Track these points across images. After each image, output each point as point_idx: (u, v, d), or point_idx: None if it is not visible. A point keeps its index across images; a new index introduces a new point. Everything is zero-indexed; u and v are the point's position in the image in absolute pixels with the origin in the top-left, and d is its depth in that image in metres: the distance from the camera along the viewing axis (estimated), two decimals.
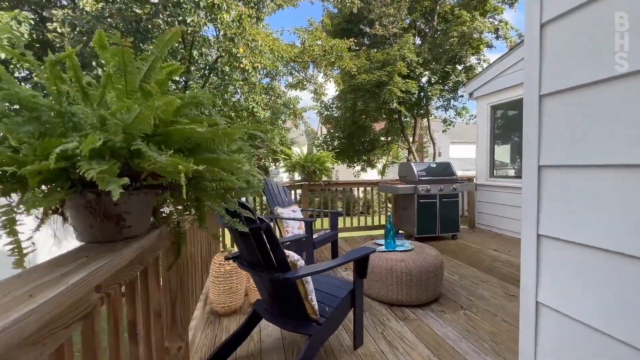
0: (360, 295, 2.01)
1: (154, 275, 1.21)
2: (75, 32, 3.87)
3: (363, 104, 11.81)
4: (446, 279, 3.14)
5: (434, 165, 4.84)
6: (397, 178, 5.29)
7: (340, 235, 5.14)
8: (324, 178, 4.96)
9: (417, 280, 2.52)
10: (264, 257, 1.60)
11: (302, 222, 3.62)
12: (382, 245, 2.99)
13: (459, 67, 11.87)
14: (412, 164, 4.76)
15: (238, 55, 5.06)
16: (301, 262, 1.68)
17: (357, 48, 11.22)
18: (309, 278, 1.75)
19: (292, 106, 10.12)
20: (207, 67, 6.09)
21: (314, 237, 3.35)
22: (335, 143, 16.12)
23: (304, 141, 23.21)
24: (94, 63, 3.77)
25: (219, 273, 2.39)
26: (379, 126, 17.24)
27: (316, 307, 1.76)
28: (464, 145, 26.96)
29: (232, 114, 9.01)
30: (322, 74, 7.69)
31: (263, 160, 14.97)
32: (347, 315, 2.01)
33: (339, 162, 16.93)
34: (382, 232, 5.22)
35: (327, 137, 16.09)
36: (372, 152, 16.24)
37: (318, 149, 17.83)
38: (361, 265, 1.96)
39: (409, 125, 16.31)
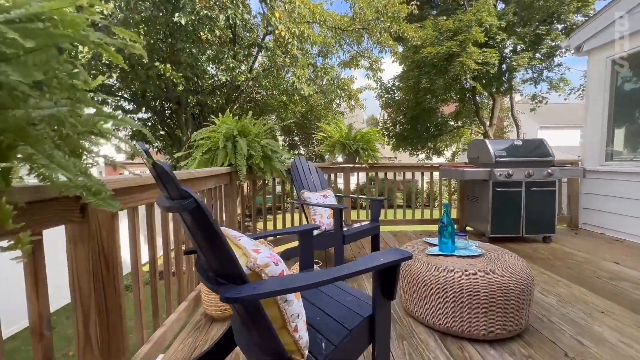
0: (385, 325, 1.26)
1: None
2: None
3: (428, 81, 10.35)
4: (537, 301, 2.13)
5: (519, 143, 3.63)
6: (466, 162, 4.19)
7: (390, 228, 4.31)
8: (371, 160, 4.16)
9: (487, 303, 1.64)
10: (206, 257, 0.99)
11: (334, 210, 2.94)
12: (434, 245, 2.14)
13: (558, 28, 9.47)
14: (488, 141, 3.63)
15: (272, 21, 4.53)
16: (274, 269, 1.02)
17: (421, 14, 9.77)
18: (291, 296, 1.08)
19: (345, 87, 9.34)
20: (254, 45, 5.75)
21: (344, 229, 2.65)
22: (397, 129, 14.82)
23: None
24: None
25: None
26: (448, 109, 15.26)
27: (303, 341, 1.08)
28: (557, 130, 22.58)
29: (284, 98, 8.68)
30: (377, 46, 6.75)
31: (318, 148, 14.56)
32: (365, 350, 1.29)
33: (401, 150, 15.59)
34: None
35: (388, 122, 14.86)
36: (439, 138, 14.48)
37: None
38: (387, 278, 1.21)
39: (485, 105, 14.04)
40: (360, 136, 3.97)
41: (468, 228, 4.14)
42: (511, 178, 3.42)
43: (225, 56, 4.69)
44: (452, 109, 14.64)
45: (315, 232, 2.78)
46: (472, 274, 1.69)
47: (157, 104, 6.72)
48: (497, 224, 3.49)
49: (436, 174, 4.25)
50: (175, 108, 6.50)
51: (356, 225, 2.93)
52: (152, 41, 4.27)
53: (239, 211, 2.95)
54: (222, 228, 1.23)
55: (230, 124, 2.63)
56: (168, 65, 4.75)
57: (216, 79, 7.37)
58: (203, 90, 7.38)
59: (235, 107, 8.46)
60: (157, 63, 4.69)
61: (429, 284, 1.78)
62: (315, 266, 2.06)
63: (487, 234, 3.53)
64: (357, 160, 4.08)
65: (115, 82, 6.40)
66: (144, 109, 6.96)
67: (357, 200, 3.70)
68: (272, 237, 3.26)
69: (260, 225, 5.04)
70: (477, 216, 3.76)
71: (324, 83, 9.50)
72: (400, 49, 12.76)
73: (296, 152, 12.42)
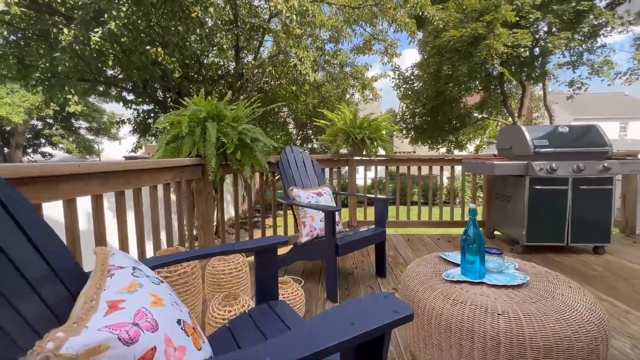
0: None
1: None
2: None
3: (450, 67, 9.48)
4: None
5: (564, 130, 2.93)
6: (494, 154, 3.52)
7: (403, 231, 3.72)
8: (381, 152, 3.57)
9: None
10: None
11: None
12: (455, 265, 1.57)
13: (602, 3, 8.33)
14: (524, 127, 2.96)
15: None
16: (118, 353, 0.50)
17: None
18: None
19: (359, 76, 8.68)
20: (257, 28, 5.25)
21: (339, 236, 2.11)
22: (416, 121, 13.97)
23: None
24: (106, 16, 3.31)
25: None
26: (472, 100, 14.20)
27: None
28: (593, 122, 20.81)
29: (294, 88, 8.16)
30: (392, 25, 6.05)
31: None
32: None
33: (419, 144, 14.72)
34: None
35: (405, 113, 14.02)
36: (462, 130, 13.49)
37: (394, 129, 15.87)
38: None
39: (514, 95, 12.91)
40: (368, 123, 3.39)
41: (496, 233, 3.49)
42: (555, 173, 2.74)
43: (218, 36, 4.23)
44: (477, 100, 13.60)
45: (305, 239, 2.26)
46: (513, 318, 1.12)
47: (159, 94, 6.39)
48: (534, 230, 2.83)
49: (458, 169, 3.60)
50: (175, 98, 6.14)
51: (357, 231, 2.38)
52: (139, 21, 3.88)
53: (240, 210, 2.48)
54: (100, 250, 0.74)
55: (199, 106, 2.14)
56: (160, 49, 4.36)
57: (220, 66, 6.96)
58: (206, 79, 6.98)
59: (241, 98, 8.04)
60: (147, 47, 4.31)
61: (447, 326, 1.22)
62: (279, 296, 1.54)
63: (521, 241, 2.89)
64: (364, 152, 3.51)
65: (117, 72, 6.12)
66: (147, 99, 6.65)
67: (365, 198, 3.14)
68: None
69: (269, 221, 4.52)
70: (508, 219, 3.11)
71: (336, 71, 8.89)
72: (420, 35, 11.90)
73: (309, 145, 11.92)
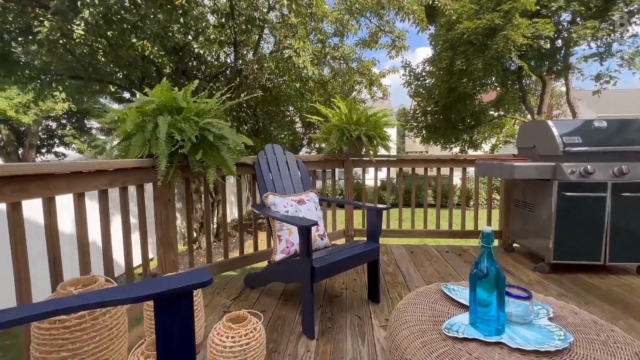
0: None
1: None
2: None
3: (464, 62, 8.90)
4: None
5: (601, 125, 2.43)
6: (514, 154, 3.04)
7: (407, 241, 3.29)
8: (382, 151, 3.14)
9: None
10: None
11: (319, 223, 2.01)
12: (462, 307, 1.15)
13: None
14: (550, 122, 2.48)
15: None
16: None
17: None
18: None
19: (366, 71, 8.23)
20: (253, 20, 4.90)
21: (316, 256, 1.72)
22: (427, 120, 13.37)
23: (390, 122, 20.67)
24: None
25: None
26: (487, 97, 13.48)
27: None
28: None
29: (297, 85, 7.80)
30: (400, 13, 5.59)
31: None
32: None
33: (432, 143, 14.11)
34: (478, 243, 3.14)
35: (417, 111, 13.44)
36: (476, 129, 12.82)
37: (405, 128, 15.25)
38: None
39: (533, 91, 12.15)
40: (365, 119, 2.96)
41: (516, 246, 3.00)
42: (590, 177, 2.25)
43: (204, 25, 3.88)
44: (493, 97, 12.89)
45: (280, 257, 1.87)
46: None
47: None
48: (563, 245, 2.35)
49: (471, 170, 3.13)
50: None
51: (344, 247, 1.98)
52: (122, 11, 3.59)
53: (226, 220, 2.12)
54: None
55: (153, 97, 1.79)
56: (147, 42, 4.07)
57: (223, 64, 6.66)
58: (205, 75, 6.70)
59: (242, 96, 7.73)
60: (134, 40, 4.03)
61: None
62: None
63: (546, 258, 2.41)
64: (362, 152, 3.09)
65: (114, 70, 5.89)
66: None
67: (352, 205, 2.73)
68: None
69: None
70: (531, 231, 2.63)
71: (342, 66, 8.47)
72: (432, 30, 11.32)
73: (317, 145, 11.54)
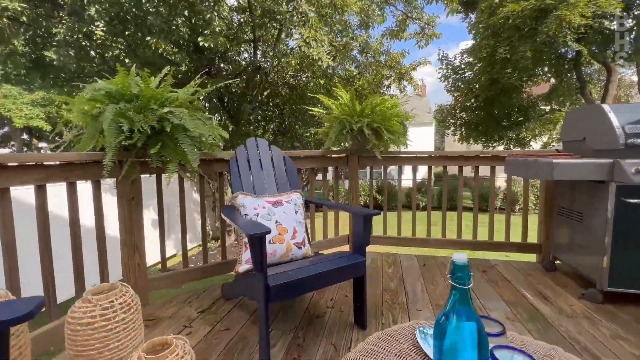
0: None
1: None
2: None
3: (508, 50, 7.95)
4: None
5: None
6: (558, 149, 2.46)
7: (420, 251, 2.85)
8: (393, 147, 2.73)
9: None
10: None
11: (298, 229, 1.71)
12: None
13: None
14: (606, 107, 1.90)
15: None
16: None
17: None
18: None
19: (395, 64, 7.70)
20: (271, 13, 4.71)
21: (279, 270, 1.41)
22: (467, 116, 12.34)
23: (427, 120, 19.51)
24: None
25: None
26: (539, 89, 12.04)
27: None
28: None
29: (321, 82, 7.55)
30: None
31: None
32: None
33: (471, 142, 12.98)
34: (524, 257, 2.63)
35: (454, 107, 12.43)
36: (525, 125, 11.52)
37: (442, 126, 14.22)
38: None
39: (595, 81, 10.61)
40: (371, 109, 2.57)
41: (558, 263, 2.41)
42: None
43: (208, 17, 3.76)
44: (545, 89, 11.50)
45: (244, 268, 1.59)
46: None
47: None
48: (623, 268, 1.78)
49: (501, 172, 2.59)
50: None
51: (321, 259, 1.64)
52: (141, 12, 3.60)
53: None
54: None
55: (106, 84, 1.61)
56: (159, 40, 4.07)
57: (246, 62, 6.61)
58: (227, 73, 6.70)
59: (264, 94, 7.64)
60: (148, 38, 4.05)
61: None
62: None
63: (599, 283, 1.85)
64: (367, 147, 2.71)
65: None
66: None
67: (338, 208, 2.36)
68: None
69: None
70: (578, 247, 2.07)
71: (369, 59, 8.03)
72: (472, 18, 10.36)
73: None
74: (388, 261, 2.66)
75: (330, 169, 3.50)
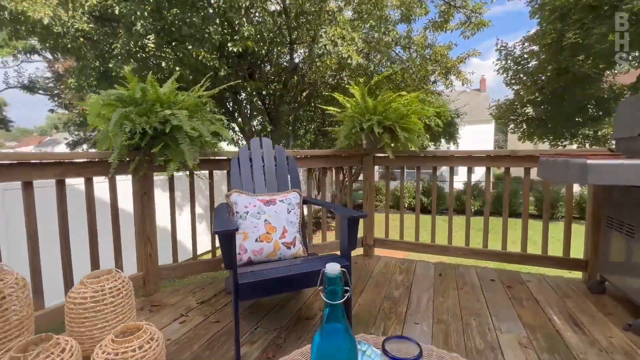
0: None
1: None
2: None
3: (579, 33, 6.89)
4: None
5: None
6: (611, 147, 2.06)
7: (443, 259, 2.64)
8: (411, 147, 2.55)
9: None
10: None
11: (288, 228, 1.72)
12: None
13: None
14: None
15: None
16: None
17: None
18: None
19: (440, 58, 7.22)
20: (306, 14, 4.77)
21: (257, 268, 1.42)
22: (528, 111, 11.05)
23: (486, 117, 17.84)
24: None
25: None
26: (624, 78, 10.17)
27: None
28: None
29: (360, 80, 7.45)
30: None
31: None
32: None
33: (535, 140, 11.56)
34: (570, 274, 2.28)
35: (515, 102, 11.18)
36: (603, 120, 9.87)
37: (499, 123, 12.87)
38: None
39: None
40: (383, 106, 2.44)
41: (608, 284, 2.01)
42: None
43: (236, 23, 3.91)
44: (632, 78, 9.71)
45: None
46: None
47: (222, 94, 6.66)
48: None
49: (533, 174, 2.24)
50: (231, 97, 6.30)
51: (300, 262, 1.61)
52: (179, 23, 3.95)
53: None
54: None
55: (118, 90, 1.79)
56: (202, 48, 4.41)
57: (283, 64, 6.83)
58: (266, 76, 6.97)
59: (303, 95, 7.76)
60: (190, 47, 4.41)
61: None
62: None
63: None
64: (379, 146, 2.58)
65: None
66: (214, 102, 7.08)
67: (331, 207, 2.26)
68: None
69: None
70: (628, 266, 1.71)
71: (412, 54, 7.67)
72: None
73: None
74: (401, 267, 2.50)
75: (377, 169, 3.39)
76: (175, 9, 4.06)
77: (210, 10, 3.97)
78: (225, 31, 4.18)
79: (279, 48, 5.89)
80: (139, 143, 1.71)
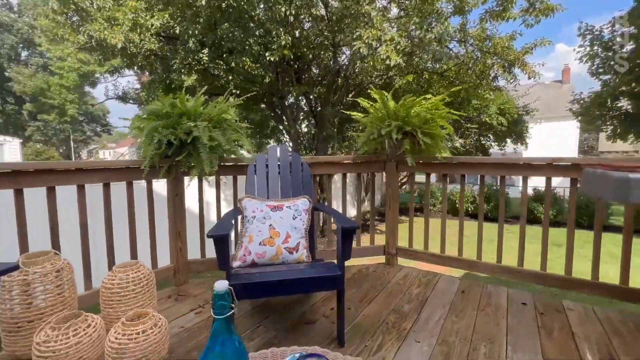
0: None
1: None
2: None
3: None
4: None
5: None
6: None
7: (473, 275, 2.45)
8: (438, 152, 2.40)
9: None
10: None
11: (292, 234, 1.80)
12: None
13: None
14: None
15: None
16: None
17: None
18: None
19: (499, 50, 6.54)
20: (347, 17, 4.76)
21: (254, 270, 1.53)
22: (621, 105, 9.33)
23: (562, 113, 15.42)
24: None
25: None
26: None
27: None
28: None
29: (409, 79, 7.23)
30: None
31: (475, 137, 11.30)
32: None
33: (631, 140, 9.69)
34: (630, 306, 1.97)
35: (603, 94, 9.50)
36: None
37: (581, 120, 11.02)
38: None
39: None
40: (404, 111, 2.34)
41: None
42: None
43: (274, 33, 4.06)
44: None
45: (236, 264, 1.78)
46: None
47: (266, 99, 7.05)
48: None
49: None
50: (277, 102, 6.62)
51: (296, 268, 1.66)
52: (221, 34, 4.30)
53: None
54: None
55: (153, 107, 2.06)
56: (245, 58, 4.75)
57: (324, 65, 6.95)
58: (313, 80, 7.15)
59: (349, 96, 7.76)
60: (239, 60, 4.77)
61: None
62: None
63: None
64: (399, 153, 2.48)
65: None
66: (262, 105, 7.51)
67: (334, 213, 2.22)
68: None
69: (403, 226, 3.65)
70: None
71: (468, 48, 7.12)
72: None
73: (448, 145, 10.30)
74: (421, 280, 2.37)
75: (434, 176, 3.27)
76: (226, 24, 4.46)
77: (252, 24, 4.26)
78: (265, 40, 4.44)
79: (323, 52, 6.00)
80: (166, 152, 1.95)
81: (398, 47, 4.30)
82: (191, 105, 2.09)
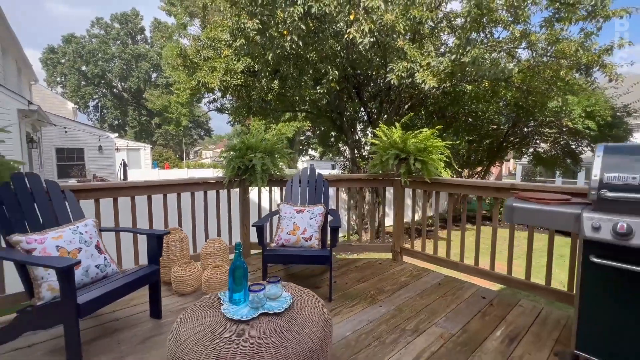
0: None
1: None
2: None
3: None
4: None
5: None
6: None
7: (449, 273, 3.05)
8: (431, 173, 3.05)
9: None
10: None
11: (308, 229, 2.78)
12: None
13: None
14: (602, 147, 1.66)
15: None
16: None
17: None
18: None
19: (566, 52, 6.19)
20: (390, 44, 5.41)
21: (273, 253, 2.55)
22: None
23: None
24: None
25: None
26: None
27: None
28: None
29: (469, 87, 7.43)
30: None
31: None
32: None
33: None
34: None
35: None
36: None
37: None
38: None
39: None
40: (402, 142, 3.05)
41: None
42: (630, 241, 1.45)
43: (322, 71, 4.98)
44: None
45: (273, 244, 2.85)
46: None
47: (327, 114, 8.11)
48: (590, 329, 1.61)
49: None
50: (336, 116, 7.62)
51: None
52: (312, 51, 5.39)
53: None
54: None
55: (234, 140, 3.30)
56: (302, 91, 5.87)
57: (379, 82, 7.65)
58: (369, 96, 7.94)
59: (405, 108, 8.25)
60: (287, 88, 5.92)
61: None
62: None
63: (571, 345, 1.72)
64: (397, 173, 3.18)
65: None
66: (324, 120, 8.65)
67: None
68: None
69: (455, 234, 4.33)
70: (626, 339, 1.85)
71: (532, 55, 6.90)
72: None
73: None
74: (413, 273, 3.06)
75: None
76: (284, 67, 5.70)
77: (306, 66, 5.36)
78: (316, 76, 5.50)
79: (375, 72, 6.73)
80: (237, 172, 3.16)
81: (436, 70, 4.78)
82: (253, 142, 3.25)
